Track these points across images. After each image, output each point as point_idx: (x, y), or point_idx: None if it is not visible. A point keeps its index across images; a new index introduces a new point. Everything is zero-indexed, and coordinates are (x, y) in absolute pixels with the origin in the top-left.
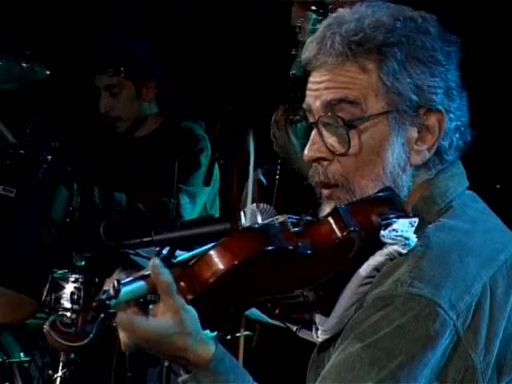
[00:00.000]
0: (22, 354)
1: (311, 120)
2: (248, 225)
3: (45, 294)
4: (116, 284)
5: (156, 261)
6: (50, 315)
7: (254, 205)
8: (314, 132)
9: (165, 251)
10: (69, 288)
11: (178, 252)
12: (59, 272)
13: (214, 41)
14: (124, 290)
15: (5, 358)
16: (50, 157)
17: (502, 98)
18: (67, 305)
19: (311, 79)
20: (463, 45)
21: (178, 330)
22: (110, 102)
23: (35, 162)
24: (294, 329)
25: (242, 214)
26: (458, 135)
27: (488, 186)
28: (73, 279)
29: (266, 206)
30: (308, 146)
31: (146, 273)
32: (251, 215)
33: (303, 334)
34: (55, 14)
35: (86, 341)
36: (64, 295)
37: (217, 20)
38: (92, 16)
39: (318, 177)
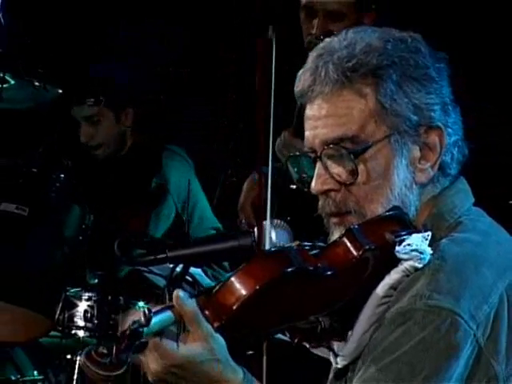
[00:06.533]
0: (35, 373)
1: (312, 155)
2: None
3: (58, 312)
4: (147, 312)
5: (180, 293)
6: (63, 333)
7: (268, 221)
8: (317, 165)
9: (178, 268)
10: (82, 306)
11: (192, 269)
12: (72, 290)
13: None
14: (154, 318)
15: (18, 376)
16: (62, 175)
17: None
18: (81, 323)
19: (309, 112)
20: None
21: (209, 357)
22: (90, 131)
23: (48, 181)
24: (308, 345)
25: (255, 229)
26: (456, 149)
27: (501, 202)
28: (86, 297)
29: (279, 221)
30: (314, 179)
31: (171, 303)
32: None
33: (317, 350)
34: (68, 31)
35: (122, 369)
36: (77, 313)
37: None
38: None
39: (329, 208)
